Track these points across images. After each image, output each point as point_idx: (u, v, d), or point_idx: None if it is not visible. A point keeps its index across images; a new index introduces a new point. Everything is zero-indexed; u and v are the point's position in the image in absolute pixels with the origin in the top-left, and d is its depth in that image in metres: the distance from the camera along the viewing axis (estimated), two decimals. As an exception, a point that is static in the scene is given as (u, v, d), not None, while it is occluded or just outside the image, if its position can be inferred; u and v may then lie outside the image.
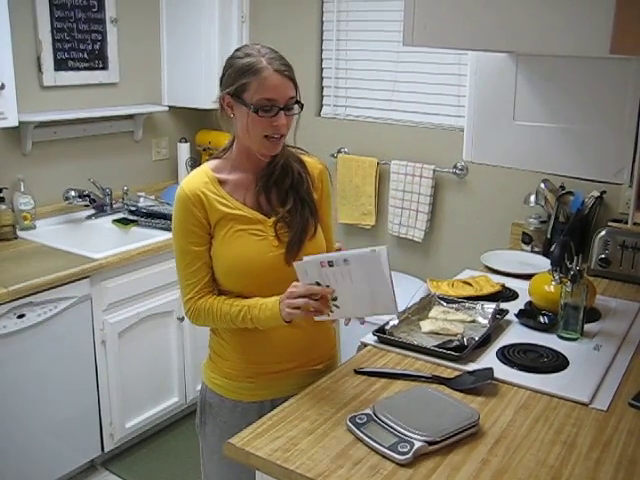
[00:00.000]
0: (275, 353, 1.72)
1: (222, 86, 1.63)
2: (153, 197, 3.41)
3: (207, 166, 1.71)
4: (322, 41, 3.50)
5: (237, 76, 1.58)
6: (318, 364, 1.78)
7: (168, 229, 3.15)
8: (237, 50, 1.64)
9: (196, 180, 1.66)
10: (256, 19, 3.61)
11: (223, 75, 1.63)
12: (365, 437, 1.41)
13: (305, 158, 1.77)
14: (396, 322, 1.97)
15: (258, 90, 1.56)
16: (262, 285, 1.63)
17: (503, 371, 1.73)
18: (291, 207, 1.67)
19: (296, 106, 1.62)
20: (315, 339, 1.76)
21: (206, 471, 1.86)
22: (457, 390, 1.64)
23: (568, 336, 1.94)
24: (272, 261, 1.64)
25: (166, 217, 3.25)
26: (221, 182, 1.67)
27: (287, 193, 1.69)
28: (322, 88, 3.56)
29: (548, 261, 2.26)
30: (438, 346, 1.82)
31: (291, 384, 1.70)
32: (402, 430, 1.39)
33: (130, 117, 3.52)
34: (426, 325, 1.97)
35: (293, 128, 1.68)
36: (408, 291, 2.92)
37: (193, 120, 3.86)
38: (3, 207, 2.92)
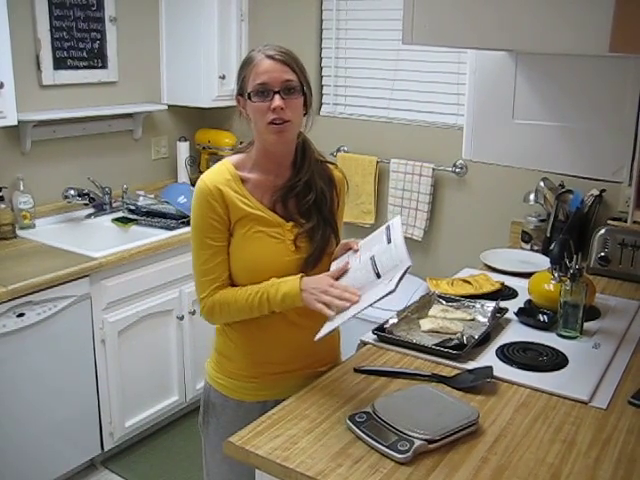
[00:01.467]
0: (280, 354, 1.71)
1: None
2: (152, 196, 3.41)
3: (229, 162, 1.69)
4: (321, 40, 3.50)
5: (239, 73, 1.64)
6: (322, 366, 1.77)
7: (168, 228, 3.15)
8: None
9: (218, 176, 1.65)
10: (255, 18, 3.61)
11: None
12: (365, 435, 1.41)
13: (331, 169, 1.76)
14: (396, 320, 1.97)
15: (252, 78, 1.59)
16: None
17: (503, 369, 1.73)
18: (314, 225, 1.67)
19: (297, 91, 1.60)
20: (320, 341, 1.75)
21: (208, 470, 1.86)
22: (457, 388, 1.64)
23: (567, 334, 1.94)
24: (287, 266, 1.64)
25: (165, 216, 3.25)
26: (243, 180, 1.66)
27: (310, 209, 1.68)
28: (322, 87, 3.56)
29: (547, 259, 2.26)
30: (438, 344, 1.82)
31: (295, 385, 1.68)
32: (401, 429, 1.39)
33: (129, 116, 3.52)
34: (426, 324, 1.97)
35: (303, 129, 1.69)
36: (408, 290, 2.92)
37: (192, 119, 3.86)
38: (2, 206, 2.91)
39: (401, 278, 1.47)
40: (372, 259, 1.55)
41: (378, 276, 1.52)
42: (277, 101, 1.56)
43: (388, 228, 1.60)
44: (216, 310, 1.65)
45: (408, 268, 1.48)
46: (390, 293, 1.45)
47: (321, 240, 1.67)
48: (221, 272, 1.64)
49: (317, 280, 1.56)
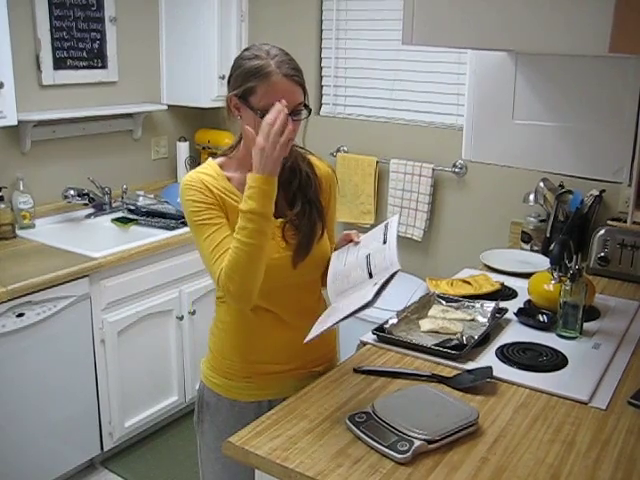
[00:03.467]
0: (274, 354, 1.71)
1: (229, 87, 1.60)
2: (152, 196, 3.41)
3: (213, 162, 1.68)
4: (321, 40, 3.50)
5: (245, 78, 1.54)
6: (317, 366, 1.77)
7: (167, 228, 3.15)
8: (246, 50, 1.60)
9: (202, 173, 1.63)
10: (255, 18, 3.61)
11: (231, 75, 1.59)
12: (364, 436, 1.41)
13: (314, 160, 1.75)
14: (395, 321, 1.97)
15: (265, 95, 1.52)
16: (267, 286, 1.60)
17: (502, 370, 1.73)
18: (299, 210, 1.65)
19: (304, 111, 1.58)
20: (315, 341, 1.75)
21: (203, 469, 1.86)
22: (456, 389, 1.64)
23: (567, 335, 1.94)
24: (278, 263, 1.62)
25: (165, 216, 3.25)
26: (229, 179, 1.65)
27: (295, 195, 1.66)
28: (321, 87, 3.56)
29: (547, 260, 2.26)
30: (437, 345, 1.82)
31: (289, 386, 1.69)
32: (401, 429, 1.39)
33: (129, 116, 3.52)
34: (425, 324, 1.97)
35: (302, 130, 1.67)
36: (407, 290, 2.92)
37: (192, 119, 3.86)
38: (2, 206, 2.91)
39: (386, 284, 1.45)
40: (367, 257, 1.55)
41: (370, 275, 1.52)
42: (290, 125, 1.52)
43: (386, 226, 1.60)
44: (229, 274, 1.51)
45: (395, 273, 1.47)
46: (368, 305, 1.43)
47: (308, 223, 1.65)
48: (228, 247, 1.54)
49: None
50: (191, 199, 1.59)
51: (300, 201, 1.66)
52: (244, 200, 1.51)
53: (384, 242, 1.55)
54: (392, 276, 1.47)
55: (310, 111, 1.61)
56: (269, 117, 1.48)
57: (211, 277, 1.58)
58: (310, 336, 1.49)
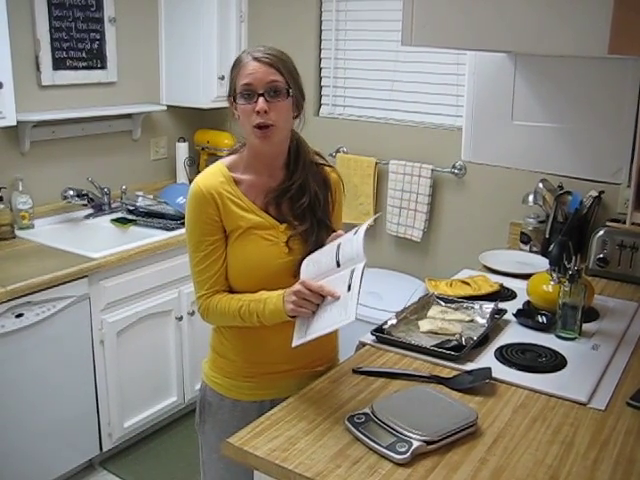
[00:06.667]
0: (276, 354, 1.71)
1: None
2: (151, 196, 3.41)
3: (223, 164, 1.70)
4: (321, 41, 3.50)
5: (230, 75, 1.65)
6: (319, 366, 1.77)
7: (166, 228, 3.15)
8: None
9: (212, 179, 1.66)
10: (255, 19, 3.61)
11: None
12: (363, 437, 1.41)
13: (328, 172, 1.75)
14: (395, 322, 1.97)
15: (238, 79, 1.60)
16: (269, 288, 1.62)
17: (501, 371, 1.73)
18: (308, 227, 1.67)
19: (283, 93, 1.59)
20: (317, 341, 1.75)
21: (205, 469, 1.87)
22: (455, 390, 1.64)
23: (566, 336, 1.94)
24: (280, 267, 1.64)
25: (164, 216, 3.25)
26: (236, 181, 1.67)
27: (304, 212, 1.68)
28: (321, 88, 3.57)
29: (546, 261, 2.26)
30: (436, 346, 1.82)
31: (291, 385, 1.69)
32: (400, 430, 1.39)
33: (128, 116, 3.52)
34: (424, 325, 1.97)
35: (299, 128, 1.70)
36: (406, 291, 2.92)
37: (191, 119, 3.86)
38: (1, 206, 2.91)
39: (359, 287, 1.47)
40: (338, 247, 1.56)
41: (338, 264, 1.54)
42: (260, 104, 1.56)
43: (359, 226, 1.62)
44: (210, 314, 1.67)
45: (364, 269, 1.48)
46: (349, 322, 1.46)
47: (315, 242, 1.66)
48: (214, 272, 1.65)
49: (292, 287, 1.55)
50: (193, 212, 1.65)
51: (309, 219, 1.68)
52: (267, 303, 1.58)
53: (354, 233, 1.56)
54: (362, 272, 1.48)
55: (290, 92, 1.61)
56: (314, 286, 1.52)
57: (194, 289, 1.71)
58: (296, 342, 1.54)
